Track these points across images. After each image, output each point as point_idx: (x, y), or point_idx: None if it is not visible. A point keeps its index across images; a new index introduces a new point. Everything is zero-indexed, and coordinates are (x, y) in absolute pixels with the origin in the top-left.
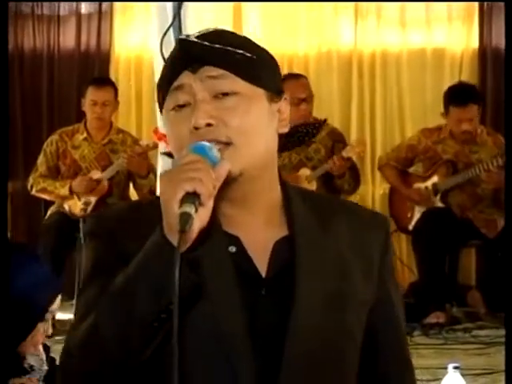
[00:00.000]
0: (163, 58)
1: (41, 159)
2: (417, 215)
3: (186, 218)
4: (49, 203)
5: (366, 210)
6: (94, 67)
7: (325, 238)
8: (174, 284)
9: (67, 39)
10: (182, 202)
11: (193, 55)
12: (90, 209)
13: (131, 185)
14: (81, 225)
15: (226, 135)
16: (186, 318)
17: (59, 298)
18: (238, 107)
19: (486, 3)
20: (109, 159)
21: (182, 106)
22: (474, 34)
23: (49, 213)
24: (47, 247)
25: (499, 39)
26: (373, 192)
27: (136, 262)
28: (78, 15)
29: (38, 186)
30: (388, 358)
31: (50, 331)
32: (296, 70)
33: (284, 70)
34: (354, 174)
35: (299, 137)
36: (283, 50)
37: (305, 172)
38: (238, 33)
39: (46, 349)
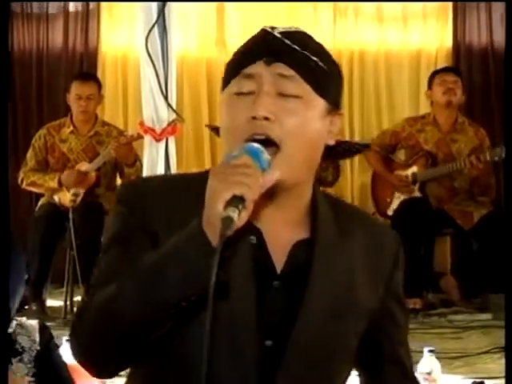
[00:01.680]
0: (148, 54)
1: (30, 154)
2: (395, 201)
3: (228, 224)
4: (39, 196)
5: (381, 224)
6: (81, 64)
7: (342, 247)
8: (204, 285)
9: (55, 37)
10: (228, 204)
11: (272, 49)
12: (79, 200)
13: (118, 175)
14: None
15: (278, 135)
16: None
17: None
18: (298, 111)
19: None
20: (95, 151)
21: (245, 94)
22: (448, 31)
23: (39, 204)
24: (37, 237)
25: (472, 36)
26: (351, 182)
27: (170, 246)
28: (66, 14)
29: (28, 179)
30: (389, 370)
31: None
32: None
33: None
34: (335, 166)
35: (338, 152)
36: None
37: None
38: (220, 30)
39: (44, 329)
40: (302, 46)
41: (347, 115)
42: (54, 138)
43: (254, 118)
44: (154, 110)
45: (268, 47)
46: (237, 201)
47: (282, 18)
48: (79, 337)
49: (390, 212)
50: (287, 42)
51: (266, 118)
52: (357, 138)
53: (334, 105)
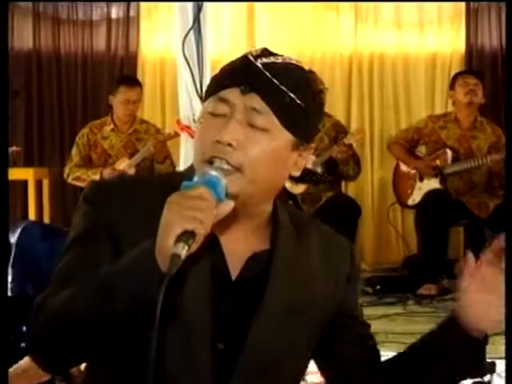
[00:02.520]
0: (184, 57)
1: (74, 151)
2: (416, 192)
3: (175, 261)
4: (82, 188)
5: (336, 234)
6: (122, 67)
7: (299, 254)
8: (149, 309)
9: (99, 42)
10: (179, 238)
11: (250, 79)
12: None
13: None
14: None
15: (239, 162)
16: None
17: None
18: (263, 142)
19: (471, 4)
20: (135, 147)
21: (217, 115)
22: (461, 35)
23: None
24: None
25: (484, 40)
26: (372, 178)
27: (123, 264)
28: (109, 20)
29: (73, 174)
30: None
31: None
32: None
33: None
34: (356, 161)
35: (302, 179)
36: (291, 51)
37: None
38: (250, 35)
39: None
40: (282, 80)
41: (368, 113)
42: (96, 136)
43: (218, 141)
44: (190, 110)
45: (247, 76)
46: (188, 236)
47: (307, 25)
48: (33, 332)
49: (410, 202)
50: (267, 73)
51: (230, 145)
52: (376, 134)
53: (304, 140)
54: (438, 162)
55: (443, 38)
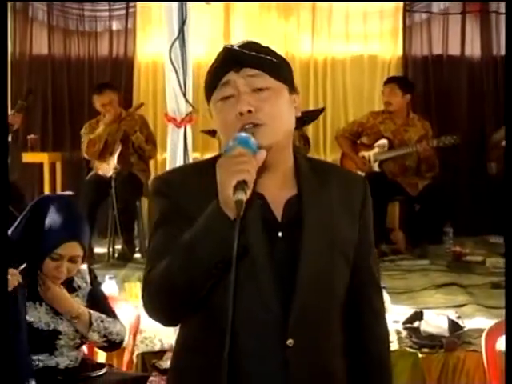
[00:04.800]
0: (171, 62)
1: (83, 139)
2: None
3: (240, 204)
4: (89, 170)
5: (349, 171)
6: (121, 71)
7: (323, 195)
8: (232, 249)
9: (102, 49)
10: (236, 188)
11: (237, 59)
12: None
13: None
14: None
15: (261, 119)
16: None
17: (73, 244)
18: (270, 98)
19: (407, 21)
20: (125, 133)
21: (227, 98)
22: (398, 46)
23: (89, 175)
24: (87, 198)
25: (417, 49)
26: (324, 159)
27: (199, 224)
28: (110, 32)
29: (83, 146)
30: (363, 284)
31: (65, 273)
32: None
33: None
34: (304, 137)
35: (304, 120)
36: None
37: None
38: (227, 42)
39: (91, 272)
40: (257, 51)
41: None
42: (94, 130)
43: (241, 114)
44: (176, 104)
45: (233, 59)
46: (241, 184)
47: (272, 35)
48: (147, 303)
49: None
50: (245, 51)
51: (249, 111)
52: (329, 125)
53: (292, 87)
54: (376, 149)
55: (384, 47)
